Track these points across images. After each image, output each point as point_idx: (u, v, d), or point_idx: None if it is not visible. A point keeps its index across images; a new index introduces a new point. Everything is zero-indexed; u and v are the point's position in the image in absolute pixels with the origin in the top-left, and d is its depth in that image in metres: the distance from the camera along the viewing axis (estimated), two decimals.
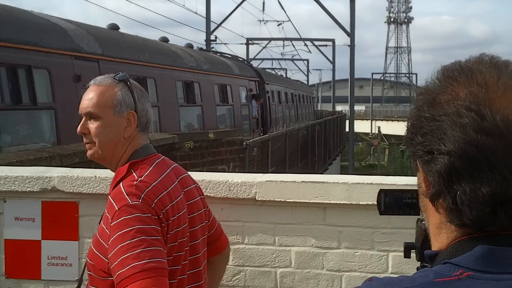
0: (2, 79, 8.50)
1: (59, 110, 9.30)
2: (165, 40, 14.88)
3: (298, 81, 42.80)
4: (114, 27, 13.27)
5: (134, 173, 2.27)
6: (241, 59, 25.20)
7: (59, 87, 9.47)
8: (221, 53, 24.45)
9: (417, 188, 1.15)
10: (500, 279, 0.95)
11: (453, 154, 0.98)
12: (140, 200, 2.14)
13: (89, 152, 2.39)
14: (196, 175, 3.23)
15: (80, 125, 2.36)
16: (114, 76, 2.39)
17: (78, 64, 10.00)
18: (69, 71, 9.82)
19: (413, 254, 1.57)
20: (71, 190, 3.30)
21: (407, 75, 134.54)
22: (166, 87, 14.07)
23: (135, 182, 2.21)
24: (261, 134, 19.88)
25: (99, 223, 2.33)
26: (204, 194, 3.12)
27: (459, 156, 0.97)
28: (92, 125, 2.33)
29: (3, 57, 8.44)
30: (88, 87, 2.39)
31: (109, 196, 2.23)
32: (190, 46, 19.26)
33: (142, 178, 2.24)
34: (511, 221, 0.98)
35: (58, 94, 9.42)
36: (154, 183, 2.23)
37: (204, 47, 27.67)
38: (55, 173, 3.36)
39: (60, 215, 3.35)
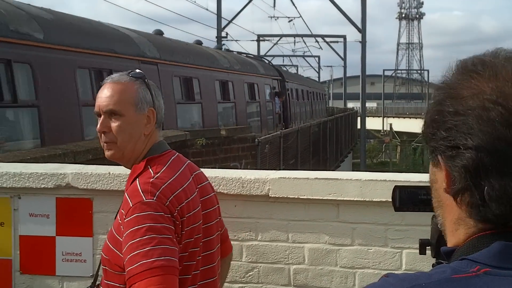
0: (94, 80, 10.43)
1: None
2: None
3: (310, 78, 42.58)
4: (159, 33, 14.49)
5: (150, 170, 2.27)
6: (266, 61, 27.40)
7: None
8: (246, 53, 26.47)
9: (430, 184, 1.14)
10: None
11: (481, 149, 0.97)
12: (155, 198, 2.14)
13: (108, 153, 2.36)
14: (208, 172, 3.24)
15: (100, 123, 2.32)
16: (129, 73, 2.38)
17: (143, 67, 11.26)
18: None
19: (428, 251, 1.57)
20: (85, 187, 3.32)
21: (419, 71, 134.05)
22: (207, 86, 15.90)
23: (151, 180, 2.21)
24: (283, 128, 21.04)
25: (114, 219, 2.35)
26: (217, 191, 3.14)
27: (487, 151, 0.96)
28: (114, 123, 2.31)
29: (94, 63, 10.47)
30: (104, 84, 2.37)
31: (125, 193, 2.24)
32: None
33: (158, 174, 2.25)
34: None
35: None
36: (170, 180, 2.24)
37: (215, 44, 27.73)
38: (69, 170, 3.38)
39: (74, 212, 3.37)
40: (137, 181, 2.23)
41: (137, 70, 2.44)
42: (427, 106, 1.13)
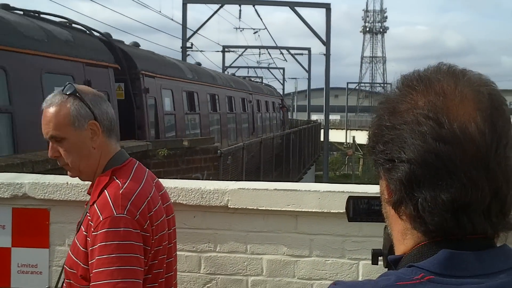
0: (185, 98, 15.98)
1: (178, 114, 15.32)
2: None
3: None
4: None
5: (117, 180, 2.26)
6: (270, 86, 38.86)
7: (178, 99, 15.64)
8: (261, 81, 36.93)
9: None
10: (460, 283, 0.97)
11: (413, 162, 1.00)
12: (125, 212, 2.14)
13: (69, 173, 2.38)
14: (168, 183, 3.23)
15: (50, 149, 2.32)
16: (62, 90, 2.33)
17: (186, 86, 16.16)
18: (184, 91, 16.09)
19: (380, 262, 1.59)
20: (42, 197, 3.28)
21: (382, 84, 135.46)
22: (229, 102, 21.15)
23: (120, 191, 2.20)
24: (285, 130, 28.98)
25: (77, 230, 2.32)
26: (177, 201, 3.14)
27: (419, 164, 0.99)
28: (60, 148, 2.29)
29: (180, 87, 15.57)
30: (43, 109, 2.33)
31: (95, 204, 2.20)
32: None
33: (126, 185, 2.24)
34: (474, 225, 1.00)
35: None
36: (138, 190, 2.24)
37: (180, 54, 27.73)
38: (26, 180, 3.33)
39: (31, 222, 3.33)
40: (106, 192, 2.21)
41: (68, 85, 2.35)
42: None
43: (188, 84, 16.35)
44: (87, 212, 2.28)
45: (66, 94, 2.29)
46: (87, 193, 2.49)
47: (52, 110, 2.27)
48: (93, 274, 2.05)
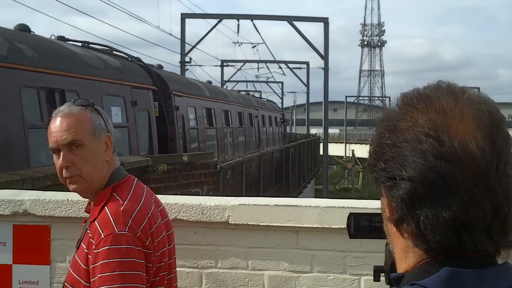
0: (205, 114, 18.34)
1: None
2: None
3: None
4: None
5: (117, 197, 2.27)
6: (272, 102, 42.47)
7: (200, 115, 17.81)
8: (260, 96, 44.71)
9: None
10: None
11: (415, 179, 1.01)
12: (127, 229, 2.15)
13: (74, 186, 2.31)
14: (169, 199, 3.24)
15: (62, 158, 2.26)
16: (74, 102, 2.34)
17: (205, 104, 18.35)
18: (204, 107, 18.23)
19: (382, 278, 1.59)
20: (43, 214, 3.28)
21: (381, 98, 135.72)
22: (239, 117, 23.24)
23: (121, 208, 2.20)
24: (286, 143, 32.54)
25: (77, 247, 2.32)
26: (177, 217, 3.14)
27: (420, 182, 1.00)
28: (77, 156, 2.25)
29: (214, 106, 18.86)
30: (54, 117, 2.31)
31: (96, 221, 2.19)
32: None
33: (126, 202, 2.24)
34: (476, 243, 1.01)
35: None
36: (138, 207, 2.24)
37: (179, 69, 27.79)
38: (27, 196, 3.34)
39: (32, 239, 3.32)
40: (107, 209, 2.21)
41: (83, 98, 2.42)
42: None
43: (207, 102, 18.64)
44: (87, 229, 2.28)
45: (83, 106, 2.32)
46: (85, 211, 2.50)
47: (72, 117, 2.27)
48: None
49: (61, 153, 2.26)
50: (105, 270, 2.06)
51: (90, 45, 13.08)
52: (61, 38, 11.93)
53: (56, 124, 2.27)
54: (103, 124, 2.33)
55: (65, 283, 2.31)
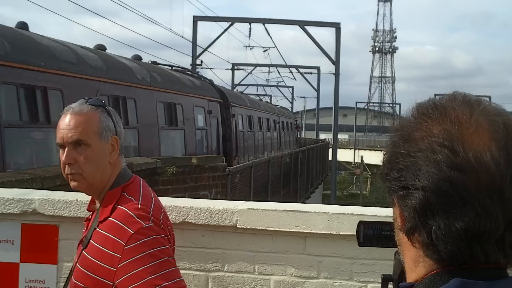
0: (247, 120, 22.28)
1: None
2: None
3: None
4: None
5: (129, 197, 2.30)
6: (286, 109, 46.07)
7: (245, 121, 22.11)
8: (282, 107, 46.41)
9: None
10: None
11: (428, 189, 1.00)
12: (151, 222, 2.21)
13: (74, 183, 2.32)
14: (177, 202, 3.25)
15: (65, 154, 2.28)
16: (87, 101, 2.36)
17: (247, 112, 22.02)
18: (246, 115, 22.29)
19: (390, 286, 1.58)
20: (51, 213, 3.29)
21: (391, 105, 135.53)
22: (266, 123, 27.35)
23: (138, 205, 2.25)
24: (298, 146, 35.40)
25: (85, 245, 2.31)
26: (185, 220, 3.15)
27: (433, 192, 0.99)
28: (80, 155, 2.27)
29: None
30: (64, 114, 2.34)
31: (115, 220, 2.22)
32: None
33: (141, 200, 2.28)
34: (487, 255, 1.00)
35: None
36: (152, 206, 2.30)
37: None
38: (36, 196, 3.35)
39: (40, 238, 3.33)
40: (125, 208, 2.24)
41: (96, 98, 2.43)
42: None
43: (248, 110, 23.57)
44: (95, 228, 2.29)
45: (95, 105, 2.34)
46: (87, 210, 2.52)
47: (81, 116, 2.29)
48: (145, 282, 2.09)
49: (66, 150, 2.29)
50: (149, 261, 2.10)
51: (174, 67, 18.71)
52: (154, 62, 17.26)
53: (65, 121, 2.30)
54: (112, 126, 2.35)
55: (77, 282, 2.29)
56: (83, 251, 2.30)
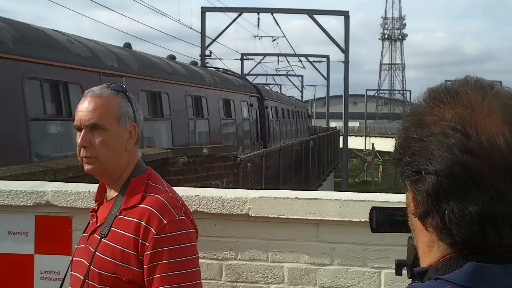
0: (275, 111, 26.65)
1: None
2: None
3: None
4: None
5: (156, 185, 2.31)
6: (299, 100, 49.56)
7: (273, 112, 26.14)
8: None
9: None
10: None
11: (440, 173, 0.99)
12: (184, 215, 2.23)
13: (88, 167, 2.28)
14: (189, 191, 3.25)
15: (81, 137, 2.26)
16: (108, 86, 2.33)
17: (275, 104, 26.33)
18: (274, 106, 26.52)
19: (404, 271, 1.58)
20: (64, 205, 3.30)
21: (401, 91, 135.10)
22: (288, 112, 31.32)
23: (170, 195, 2.27)
24: (309, 134, 36.96)
25: (106, 233, 2.24)
26: (197, 210, 3.16)
27: (446, 176, 0.99)
28: (97, 138, 2.24)
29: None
30: (85, 97, 2.31)
31: (149, 207, 2.19)
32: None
33: (169, 190, 2.31)
34: (501, 238, 0.99)
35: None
36: (177, 196, 2.33)
37: (199, 62, 27.91)
38: (49, 188, 3.36)
39: (54, 230, 3.35)
40: (159, 196, 2.23)
41: (117, 83, 2.39)
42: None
43: (275, 102, 27.48)
44: (116, 215, 2.25)
45: (116, 90, 2.31)
46: (96, 200, 2.48)
47: (101, 99, 2.26)
48: (166, 276, 2.10)
49: (82, 132, 2.27)
50: (175, 256, 2.12)
51: (219, 69, 23.64)
52: (204, 66, 23.33)
53: (84, 104, 2.27)
54: (131, 113, 2.32)
55: (96, 269, 2.22)
56: (102, 240, 2.24)
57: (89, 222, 2.43)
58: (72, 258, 2.44)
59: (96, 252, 2.24)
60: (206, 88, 16.98)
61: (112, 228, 2.24)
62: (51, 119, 9.64)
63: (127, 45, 14.85)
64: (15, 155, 7.78)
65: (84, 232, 2.44)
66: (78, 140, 2.27)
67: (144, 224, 2.16)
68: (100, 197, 2.44)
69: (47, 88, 9.22)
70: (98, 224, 2.32)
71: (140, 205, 2.21)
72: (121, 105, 2.29)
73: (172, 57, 17.73)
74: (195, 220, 2.63)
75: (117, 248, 2.19)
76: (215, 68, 23.56)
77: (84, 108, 2.27)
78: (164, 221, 2.15)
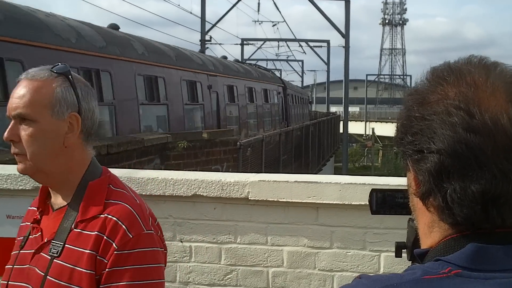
0: (291, 98, 32.81)
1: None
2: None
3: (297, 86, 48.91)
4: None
5: (119, 189, 1.91)
6: (302, 88, 53.52)
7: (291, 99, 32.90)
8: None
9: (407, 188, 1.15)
10: (488, 277, 0.95)
11: (443, 152, 0.98)
12: (152, 228, 1.85)
13: (20, 166, 1.85)
14: (189, 175, 3.24)
15: (8, 129, 1.82)
16: (52, 68, 1.87)
17: (291, 92, 33.05)
18: (291, 95, 33.11)
19: (404, 254, 1.57)
20: None
21: (402, 76, 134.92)
22: (297, 99, 36.48)
23: (137, 203, 1.88)
24: (310, 118, 38.20)
25: (58, 255, 1.80)
26: (197, 193, 3.15)
27: (448, 154, 0.97)
28: (24, 132, 1.80)
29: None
30: (19, 81, 1.86)
31: (113, 218, 1.78)
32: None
33: (134, 196, 1.92)
34: (504, 219, 0.98)
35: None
36: (145, 204, 1.96)
37: (199, 47, 27.87)
38: None
39: None
40: (125, 204, 1.83)
41: (62, 64, 1.89)
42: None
43: (292, 91, 32.66)
44: (71, 228, 1.82)
45: (56, 72, 1.85)
46: (37, 207, 1.98)
47: (32, 84, 1.82)
48: None
49: (11, 123, 1.84)
50: (138, 278, 1.75)
51: (257, 66, 31.54)
52: (237, 61, 29.39)
53: (16, 89, 1.84)
54: (73, 100, 1.84)
55: None
56: (54, 260, 1.80)
57: (27, 235, 1.95)
58: (8, 281, 1.96)
59: (48, 276, 1.79)
60: (248, 80, 22.95)
61: (66, 245, 1.80)
62: None
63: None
64: None
65: (21, 249, 1.94)
66: (5, 133, 1.84)
67: (105, 237, 1.76)
68: (43, 204, 1.96)
69: None
70: (46, 240, 1.86)
71: (101, 215, 1.80)
72: (56, 91, 1.82)
73: (224, 57, 24.71)
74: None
75: (74, 269, 1.76)
76: (254, 65, 32.46)
77: (15, 94, 1.84)
78: (130, 234, 1.75)
